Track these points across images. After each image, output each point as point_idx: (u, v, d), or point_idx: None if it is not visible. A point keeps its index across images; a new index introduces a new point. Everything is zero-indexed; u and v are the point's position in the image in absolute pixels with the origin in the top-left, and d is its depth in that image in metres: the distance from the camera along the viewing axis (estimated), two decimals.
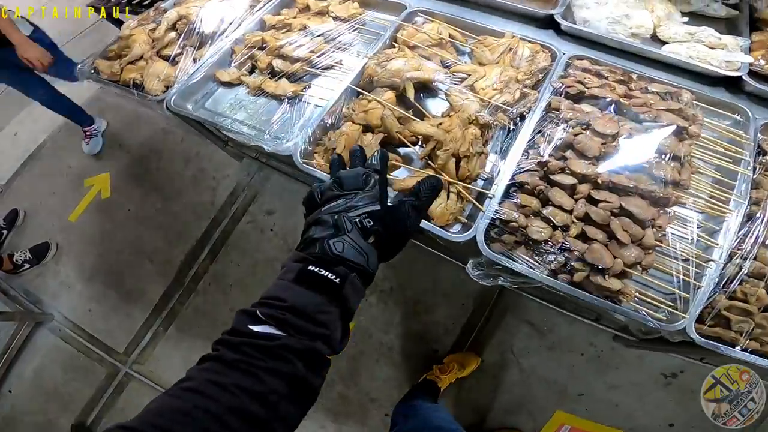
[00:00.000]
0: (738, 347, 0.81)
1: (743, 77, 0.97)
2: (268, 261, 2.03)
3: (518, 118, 0.96)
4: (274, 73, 1.23)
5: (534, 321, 1.77)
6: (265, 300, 0.45)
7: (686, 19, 1.14)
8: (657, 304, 0.83)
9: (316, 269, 0.45)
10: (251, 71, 1.28)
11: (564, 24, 1.10)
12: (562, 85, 0.97)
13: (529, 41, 1.09)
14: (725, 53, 1.00)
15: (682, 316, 0.79)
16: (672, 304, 0.82)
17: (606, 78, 0.99)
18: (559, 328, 1.75)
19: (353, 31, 1.27)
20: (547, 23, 1.15)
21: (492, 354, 1.75)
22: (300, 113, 1.15)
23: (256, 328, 0.42)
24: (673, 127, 0.87)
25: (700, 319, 0.81)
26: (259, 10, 1.32)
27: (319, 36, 1.22)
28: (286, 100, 1.17)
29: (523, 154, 0.91)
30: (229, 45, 1.27)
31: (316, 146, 1.07)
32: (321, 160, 1.04)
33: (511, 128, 0.97)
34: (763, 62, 1.00)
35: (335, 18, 1.29)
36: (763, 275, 0.80)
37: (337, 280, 0.45)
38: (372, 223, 0.49)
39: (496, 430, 1.64)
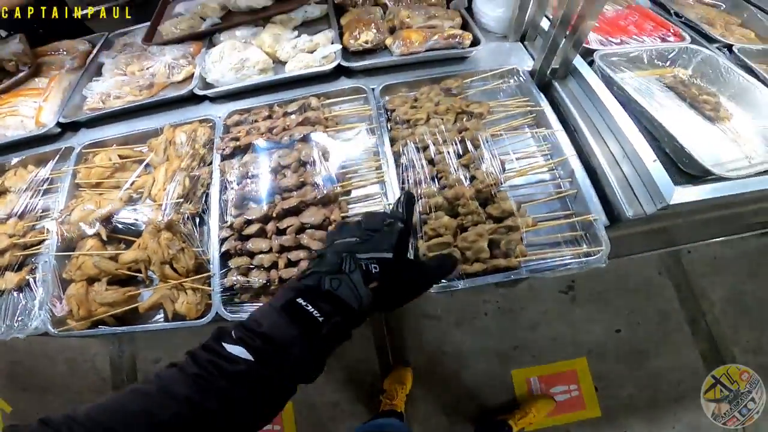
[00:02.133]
0: (464, 275, 0.85)
1: (341, 63, 1.19)
2: None
3: (204, 198, 1.05)
4: None
5: (426, 312, 1.88)
6: (246, 321, 0.45)
7: (296, 33, 1.34)
8: None
9: (303, 302, 0.44)
10: None
11: (203, 93, 1.22)
12: (221, 148, 1.09)
13: (188, 123, 1.18)
14: (320, 51, 1.20)
15: None
16: None
17: (256, 121, 1.13)
18: (449, 305, 1.86)
19: (41, 195, 1.23)
20: (199, 98, 1.26)
21: (418, 358, 1.82)
22: (34, 294, 1.08)
23: (228, 347, 0.41)
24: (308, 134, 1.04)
25: None
26: None
27: (7, 217, 1.16)
28: (15, 291, 1.10)
29: (219, 226, 0.99)
30: None
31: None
32: (74, 322, 1.01)
33: (204, 209, 1.05)
34: (353, 41, 1.23)
35: (15, 191, 1.23)
36: (431, 208, 0.94)
37: (321, 318, 0.44)
38: (377, 270, 0.47)
39: (491, 421, 1.66)
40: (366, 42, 1.22)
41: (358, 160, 1.08)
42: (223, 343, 0.42)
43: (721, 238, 1.84)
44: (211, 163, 1.10)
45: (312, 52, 1.24)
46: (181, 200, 1.01)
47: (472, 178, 0.97)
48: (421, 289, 0.53)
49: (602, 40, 1.30)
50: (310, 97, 1.15)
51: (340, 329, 0.45)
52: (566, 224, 0.96)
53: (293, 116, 1.11)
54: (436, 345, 1.83)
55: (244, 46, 1.26)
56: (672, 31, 1.36)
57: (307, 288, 0.46)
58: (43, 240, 1.14)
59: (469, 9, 1.36)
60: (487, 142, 1.02)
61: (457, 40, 1.17)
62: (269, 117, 1.14)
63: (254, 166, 1.02)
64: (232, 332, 0.43)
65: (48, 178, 1.25)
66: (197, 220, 1.04)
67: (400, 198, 0.55)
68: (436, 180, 1.01)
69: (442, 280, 0.81)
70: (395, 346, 1.86)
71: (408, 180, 1.00)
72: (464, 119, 1.06)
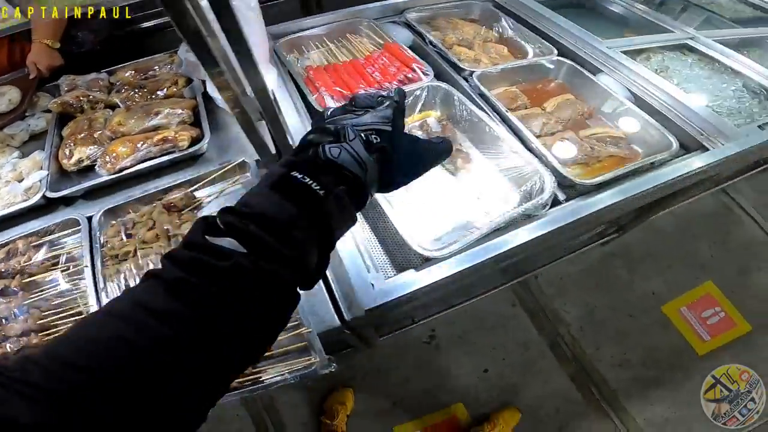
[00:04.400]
0: None
1: (47, 194, 1.04)
2: None
3: None
4: None
5: None
6: (231, 206, 0.36)
7: (18, 154, 1.19)
8: None
9: (299, 175, 0.37)
10: None
11: None
12: None
13: None
14: (25, 182, 1.06)
15: None
16: None
17: None
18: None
19: None
20: None
21: (298, 428, 1.75)
22: None
23: (213, 241, 0.33)
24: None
25: None
26: None
27: None
28: None
29: None
30: None
31: None
32: None
33: None
34: (66, 161, 1.08)
35: None
36: None
37: (322, 192, 0.37)
38: (379, 140, 0.43)
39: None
40: (79, 161, 1.09)
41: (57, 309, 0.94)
42: (207, 237, 0.34)
43: (563, 258, 1.94)
44: None
45: (21, 181, 1.10)
46: None
47: None
48: (424, 167, 0.49)
49: (340, 100, 1.26)
50: (17, 240, 1.02)
51: (344, 206, 0.39)
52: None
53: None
54: (315, 410, 1.78)
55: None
56: (417, 68, 1.35)
57: (304, 160, 0.39)
58: None
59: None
60: None
61: (170, 143, 1.09)
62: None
63: None
64: (218, 220, 0.35)
65: None
66: None
67: (392, 90, 0.52)
68: None
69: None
70: (271, 410, 1.80)
71: None
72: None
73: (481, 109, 1.25)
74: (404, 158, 0.47)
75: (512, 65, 1.41)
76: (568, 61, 1.44)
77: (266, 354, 0.91)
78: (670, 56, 1.52)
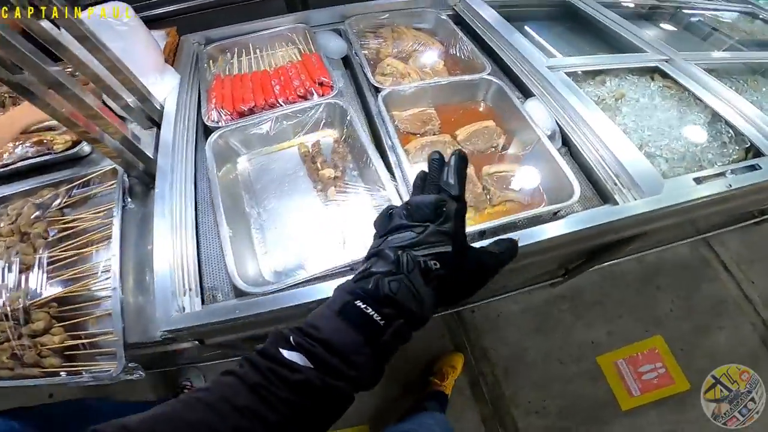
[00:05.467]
0: None
1: None
2: None
3: None
4: None
5: None
6: (302, 327, 0.43)
7: None
8: None
9: (362, 305, 0.42)
10: None
11: None
12: None
13: None
14: None
15: None
16: None
17: None
18: None
19: None
20: None
21: None
22: None
23: (285, 354, 0.40)
24: None
25: None
26: None
27: None
28: None
29: None
30: None
31: None
32: None
33: None
34: None
35: None
36: None
37: (382, 323, 0.42)
38: (438, 266, 0.44)
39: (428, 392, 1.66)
40: None
41: None
42: (280, 349, 0.40)
43: (504, 295, 1.83)
44: None
45: None
46: None
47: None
48: (487, 278, 0.49)
49: (233, 114, 1.21)
50: None
51: (400, 333, 0.43)
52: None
53: None
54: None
55: None
56: (324, 82, 1.27)
57: (365, 292, 0.43)
58: None
59: None
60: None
61: (45, 146, 1.15)
62: None
63: None
64: (290, 337, 0.41)
65: None
66: None
67: (449, 162, 0.49)
68: None
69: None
70: None
71: None
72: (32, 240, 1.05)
73: (369, 133, 1.16)
74: (464, 275, 0.47)
75: (427, 84, 1.28)
76: (496, 81, 1.27)
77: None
78: (632, 80, 1.28)
